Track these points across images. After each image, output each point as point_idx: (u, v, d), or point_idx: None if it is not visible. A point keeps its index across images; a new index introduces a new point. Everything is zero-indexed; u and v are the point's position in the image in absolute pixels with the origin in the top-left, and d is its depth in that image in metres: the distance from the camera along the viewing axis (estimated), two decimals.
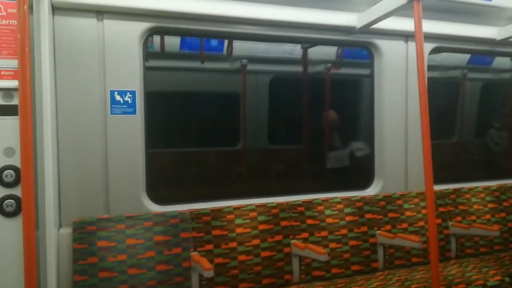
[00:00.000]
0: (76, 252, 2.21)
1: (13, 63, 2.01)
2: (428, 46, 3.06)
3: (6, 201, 2.01)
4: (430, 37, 2.93)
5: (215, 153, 4.41)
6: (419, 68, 2.26)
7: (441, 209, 3.04)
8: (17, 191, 2.02)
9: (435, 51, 3.24)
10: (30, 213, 1.72)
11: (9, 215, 2.01)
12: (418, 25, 2.25)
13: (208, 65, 4.01)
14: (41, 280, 1.96)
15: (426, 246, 2.78)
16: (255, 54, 4.26)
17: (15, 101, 2.02)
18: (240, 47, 3.92)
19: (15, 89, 1.99)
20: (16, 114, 2.00)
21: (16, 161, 2.01)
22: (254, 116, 4.38)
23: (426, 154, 2.25)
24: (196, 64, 3.88)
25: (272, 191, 2.98)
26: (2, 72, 2.03)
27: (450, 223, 3.03)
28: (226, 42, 3.74)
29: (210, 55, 3.87)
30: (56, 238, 2.18)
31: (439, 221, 2.97)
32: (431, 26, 2.87)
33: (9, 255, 2.00)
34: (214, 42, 3.83)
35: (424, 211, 2.96)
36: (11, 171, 2.01)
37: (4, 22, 2.03)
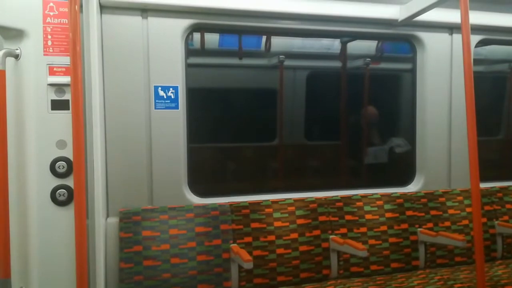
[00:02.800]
0: (122, 241, 2.31)
1: (64, 60, 2.12)
2: (474, 39, 2.95)
3: (59, 190, 2.13)
4: (476, 28, 2.82)
5: (251, 149, 4.45)
6: (465, 62, 2.18)
7: (486, 207, 2.93)
8: (68, 181, 2.13)
9: (481, 43, 3.12)
10: (82, 203, 1.81)
11: (62, 203, 2.13)
12: (464, 16, 2.16)
13: (246, 61, 4.04)
14: (90, 266, 2.07)
15: (470, 246, 2.70)
16: (292, 50, 4.26)
17: (66, 96, 2.13)
18: (278, 43, 3.93)
19: (66, 85, 2.10)
20: (67, 109, 2.11)
21: (67, 153, 2.12)
22: (291, 112, 4.37)
23: (472, 150, 2.17)
24: (234, 61, 3.93)
25: (308, 187, 2.98)
26: (55, 69, 2.14)
27: (496, 222, 2.92)
28: (264, 38, 3.76)
29: (248, 51, 3.90)
30: (104, 227, 2.29)
31: (484, 220, 2.86)
32: (477, 17, 2.77)
33: (61, 240, 2.12)
34: (252, 39, 3.86)
35: (468, 209, 2.86)
36: (63, 162, 2.12)
37: (56, 21, 2.13)
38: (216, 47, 3.86)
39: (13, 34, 2.08)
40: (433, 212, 2.83)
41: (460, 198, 2.91)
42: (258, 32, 3.44)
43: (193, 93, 2.73)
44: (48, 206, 2.12)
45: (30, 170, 2.11)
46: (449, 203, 2.88)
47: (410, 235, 2.73)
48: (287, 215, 2.58)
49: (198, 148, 3.25)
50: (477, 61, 3.06)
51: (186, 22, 2.51)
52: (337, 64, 4.14)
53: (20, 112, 2.10)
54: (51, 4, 2.11)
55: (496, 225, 2.91)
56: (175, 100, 2.51)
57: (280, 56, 4.04)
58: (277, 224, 2.54)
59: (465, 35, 2.16)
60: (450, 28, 2.96)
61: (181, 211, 2.43)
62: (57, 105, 2.12)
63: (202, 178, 3.09)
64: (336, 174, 4.23)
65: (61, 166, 2.12)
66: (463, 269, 2.70)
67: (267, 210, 2.56)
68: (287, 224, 2.56)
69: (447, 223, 2.83)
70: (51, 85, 2.11)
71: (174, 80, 2.51)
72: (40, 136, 2.11)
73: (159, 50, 2.47)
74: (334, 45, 4.12)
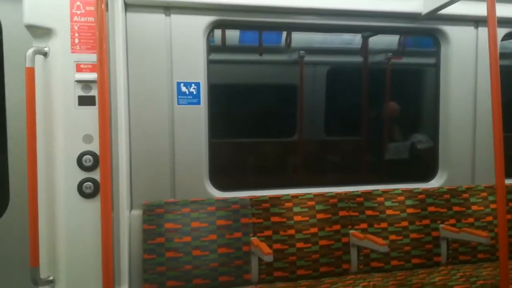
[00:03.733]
0: (145, 233, 2.37)
1: (90, 57, 2.17)
2: (500, 32, 2.87)
3: (85, 183, 2.19)
4: (503, 21, 2.75)
5: (271, 144, 4.46)
6: (491, 56, 2.13)
7: (511, 204, 2.87)
8: (94, 175, 2.19)
9: (508, 36, 3.04)
10: (107, 196, 1.87)
11: (88, 196, 2.19)
12: (491, 8, 2.11)
13: (266, 57, 4.05)
14: (115, 256, 2.13)
15: (494, 242, 2.65)
16: (313, 45, 4.24)
17: (92, 92, 2.18)
18: (298, 38, 3.93)
19: (92, 81, 2.16)
20: (93, 104, 2.17)
21: (93, 147, 2.18)
22: (311, 107, 4.36)
23: (497, 146, 2.13)
24: (255, 57, 3.94)
25: (328, 182, 2.98)
26: (81, 66, 2.20)
27: None
28: (284, 33, 3.77)
29: (268, 47, 3.91)
30: (128, 219, 2.36)
31: (509, 216, 2.80)
32: (504, 10, 2.69)
33: (87, 231, 2.18)
34: (272, 34, 3.87)
35: (492, 206, 2.81)
36: (90, 156, 2.18)
37: (83, 19, 2.18)
38: (236, 43, 3.88)
39: (42, 32, 2.14)
40: (456, 208, 2.79)
41: (484, 194, 2.86)
42: (279, 28, 3.45)
43: (214, 89, 2.76)
44: (75, 198, 2.18)
45: (58, 164, 2.18)
46: (472, 199, 2.83)
47: (432, 231, 2.70)
48: (307, 209, 2.59)
49: (219, 143, 3.30)
50: (503, 55, 2.99)
51: (208, 19, 2.54)
52: (358, 59, 4.11)
53: (49, 108, 2.16)
54: (78, 3, 2.17)
55: None
56: (197, 96, 2.55)
57: (301, 52, 4.03)
58: (297, 218, 2.56)
59: (491, 28, 2.11)
60: (476, 21, 2.90)
61: (203, 204, 2.47)
62: (84, 100, 2.18)
63: (223, 173, 3.14)
64: (356, 169, 4.21)
65: (88, 160, 2.18)
66: (486, 266, 2.66)
67: (287, 204, 2.58)
68: (307, 218, 2.57)
69: (471, 220, 2.78)
70: (78, 81, 2.16)
71: (196, 76, 2.55)
72: (68, 130, 2.17)
73: (182, 46, 2.51)
74: (355, 40, 4.09)
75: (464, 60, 2.93)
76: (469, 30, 2.92)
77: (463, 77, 2.94)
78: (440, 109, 3.00)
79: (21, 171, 2.31)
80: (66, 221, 2.19)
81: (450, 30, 2.88)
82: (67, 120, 2.17)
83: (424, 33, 3.12)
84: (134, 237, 2.40)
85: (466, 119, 2.95)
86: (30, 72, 2.05)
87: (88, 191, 2.19)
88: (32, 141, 2.06)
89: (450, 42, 2.89)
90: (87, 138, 2.19)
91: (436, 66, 3.02)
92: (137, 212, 2.44)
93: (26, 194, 2.07)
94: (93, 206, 2.18)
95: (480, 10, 2.33)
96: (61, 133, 2.17)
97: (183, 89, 2.53)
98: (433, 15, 2.72)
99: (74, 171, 2.18)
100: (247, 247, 2.44)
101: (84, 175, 2.19)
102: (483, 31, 2.89)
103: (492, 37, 2.11)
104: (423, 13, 2.72)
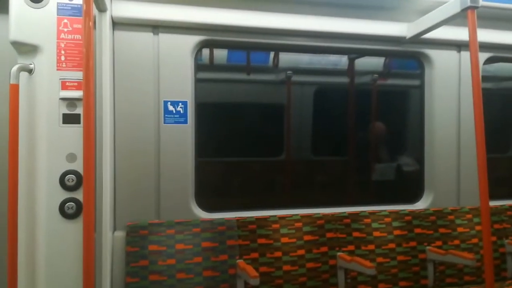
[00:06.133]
0: (129, 255, 2.30)
1: (76, 74, 2.15)
2: (482, 56, 2.95)
3: (67, 203, 2.14)
4: (484, 46, 2.82)
5: (258, 163, 4.44)
6: (473, 79, 2.19)
7: (496, 226, 2.89)
8: (77, 195, 2.14)
9: (489, 61, 3.12)
10: (90, 217, 1.81)
11: (70, 216, 2.14)
12: (472, 34, 2.18)
13: (253, 76, 4.08)
14: (96, 280, 2.06)
15: (480, 265, 2.66)
16: (300, 65, 4.29)
17: (77, 111, 2.15)
18: (285, 58, 3.97)
19: (78, 99, 2.13)
20: (78, 123, 2.14)
21: (77, 166, 2.14)
22: (298, 127, 4.38)
23: (481, 168, 2.16)
24: (242, 76, 3.96)
25: (315, 202, 2.97)
26: (67, 83, 2.17)
27: (506, 241, 2.87)
28: (272, 54, 3.80)
29: (256, 67, 3.94)
30: (111, 241, 2.29)
31: (494, 238, 2.82)
32: (485, 35, 2.77)
33: (68, 253, 2.12)
34: (260, 54, 3.90)
35: (478, 228, 2.83)
36: (73, 175, 2.14)
37: (69, 36, 2.17)
38: (224, 62, 3.90)
39: (27, 49, 2.12)
40: (442, 230, 2.80)
41: (469, 216, 2.88)
42: (266, 48, 3.48)
43: (201, 108, 2.75)
44: (57, 219, 2.12)
45: (40, 183, 2.13)
46: (458, 221, 2.85)
47: (418, 253, 2.70)
48: (294, 231, 2.56)
49: (205, 163, 3.26)
50: (484, 78, 3.06)
51: (196, 39, 2.55)
52: (344, 79, 4.16)
53: (32, 125, 2.12)
54: (65, 20, 2.16)
55: (506, 244, 2.86)
56: (184, 114, 2.53)
57: (288, 72, 4.07)
58: (284, 240, 2.53)
59: (473, 53, 2.17)
60: (458, 46, 2.97)
61: (188, 225, 2.43)
62: (68, 118, 2.15)
63: (209, 193, 3.09)
64: (343, 190, 4.21)
65: (71, 179, 2.14)
66: None
67: (274, 226, 2.55)
68: (294, 240, 2.54)
69: (456, 242, 2.79)
70: (63, 99, 2.14)
71: (184, 95, 2.53)
72: (51, 149, 2.13)
73: (169, 65, 2.50)
74: (342, 61, 4.15)
75: (448, 83, 2.99)
76: (452, 54, 2.99)
77: (447, 100, 2.99)
78: (425, 130, 3.04)
79: (1, 190, 2.24)
80: (46, 243, 2.12)
81: (434, 53, 2.95)
82: (51, 138, 2.13)
83: (408, 56, 3.18)
84: (117, 260, 2.33)
85: (451, 141, 2.99)
86: (14, 89, 2.01)
87: (70, 211, 2.13)
88: (14, 159, 2.01)
89: (433, 65, 2.96)
90: (71, 157, 2.15)
91: (421, 88, 3.07)
92: (121, 234, 2.38)
93: (5, 214, 2.00)
94: (75, 227, 2.12)
95: (462, 35, 2.39)
96: (44, 151, 2.13)
97: (170, 108, 2.51)
98: (417, 39, 2.78)
99: (56, 191, 2.13)
100: (233, 270, 2.39)
101: (66, 195, 2.14)
102: (465, 55, 2.96)
103: (474, 61, 2.16)
104: (407, 37, 2.78)
